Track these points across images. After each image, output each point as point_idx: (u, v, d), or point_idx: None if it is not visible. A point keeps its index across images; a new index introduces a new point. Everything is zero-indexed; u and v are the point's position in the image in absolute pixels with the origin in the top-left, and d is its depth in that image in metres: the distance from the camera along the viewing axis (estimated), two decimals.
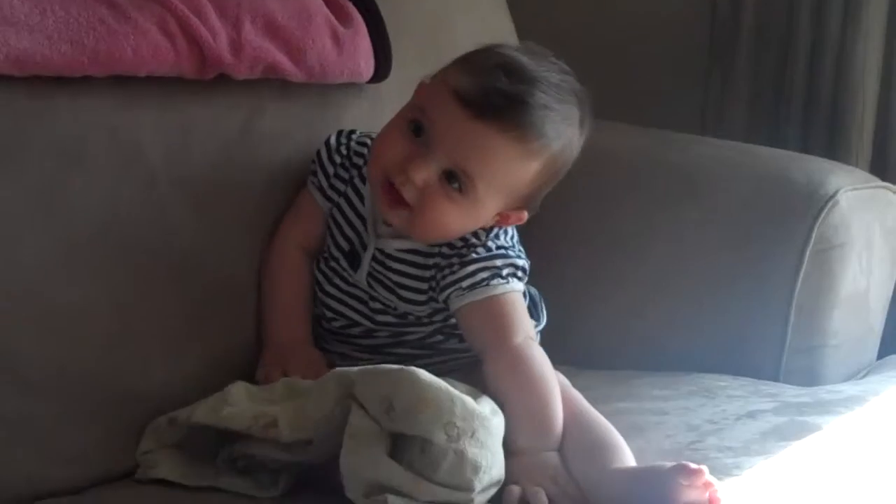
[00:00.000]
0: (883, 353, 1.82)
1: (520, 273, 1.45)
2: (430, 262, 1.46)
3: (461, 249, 1.44)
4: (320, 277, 1.55)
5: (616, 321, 1.46)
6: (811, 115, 2.10)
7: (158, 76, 1.47)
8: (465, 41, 1.81)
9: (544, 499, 1.28)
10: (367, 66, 1.65)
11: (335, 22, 1.62)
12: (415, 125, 1.41)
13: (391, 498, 1.22)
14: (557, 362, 1.54)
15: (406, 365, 1.27)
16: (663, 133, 1.94)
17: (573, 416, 1.38)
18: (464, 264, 1.43)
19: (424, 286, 1.47)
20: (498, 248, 1.45)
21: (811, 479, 1.31)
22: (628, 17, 2.34)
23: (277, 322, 1.53)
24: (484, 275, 1.42)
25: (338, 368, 1.31)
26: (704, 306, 1.69)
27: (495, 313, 1.42)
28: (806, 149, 2.02)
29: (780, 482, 1.30)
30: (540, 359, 1.39)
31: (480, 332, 1.42)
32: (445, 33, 1.82)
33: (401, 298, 1.49)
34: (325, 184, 1.55)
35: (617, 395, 1.53)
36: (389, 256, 1.49)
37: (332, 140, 1.56)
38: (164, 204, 1.49)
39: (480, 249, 1.44)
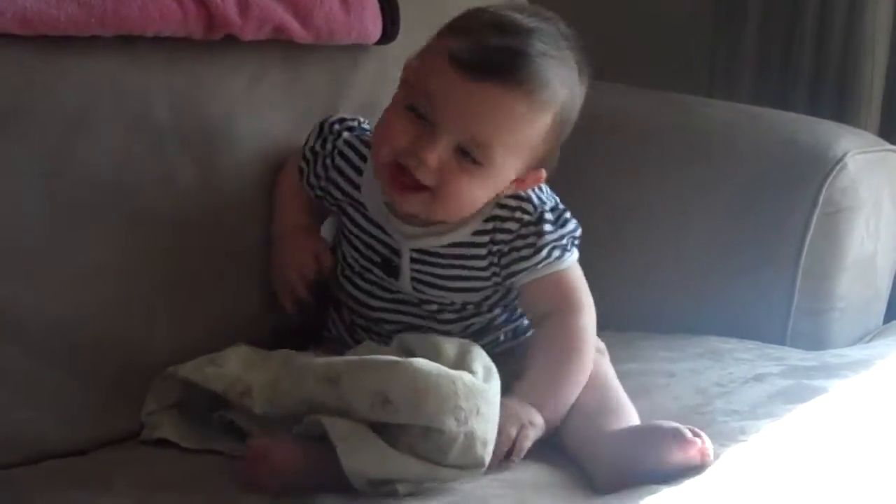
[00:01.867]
0: (889, 317, 1.82)
1: (577, 240, 1.43)
2: (483, 251, 1.42)
3: (523, 230, 1.40)
4: (360, 295, 1.48)
5: (623, 285, 1.46)
6: (820, 78, 2.10)
7: (165, 36, 1.47)
8: (472, 4, 1.81)
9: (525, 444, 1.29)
10: (374, 27, 1.64)
11: None
12: (412, 108, 1.35)
13: (401, 487, 1.21)
14: None
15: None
16: (671, 96, 1.93)
17: (590, 380, 1.38)
18: (538, 248, 1.40)
19: (483, 273, 1.43)
20: (557, 218, 1.42)
21: (817, 442, 1.31)
22: None
23: (279, 213, 1.54)
24: (556, 253, 1.40)
25: (330, 357, 1.30)
26: (711, 270, 1.69)
27: (564, 288, 1.42)
28: (814, 112, 2.02)
29: (786, 445, 1.30)
30: (590, 350, 1.40)
31: (546, 304, 1.41)
32: None
33: (456, 291, 1.44)
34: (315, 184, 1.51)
35: (624, 357, 1.53)
36: (431, 254, 1.43)
37: (323, 130, 1.51)
38: (170, 165, 1.49)
39: (547, 226, 1.40)
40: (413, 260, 1.43)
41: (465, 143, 1.33)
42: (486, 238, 1.42)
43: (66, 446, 1.38)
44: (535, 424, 1.31)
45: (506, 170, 1.36)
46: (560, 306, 1.41)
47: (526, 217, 1.41)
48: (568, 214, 1.43)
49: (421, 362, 1.24)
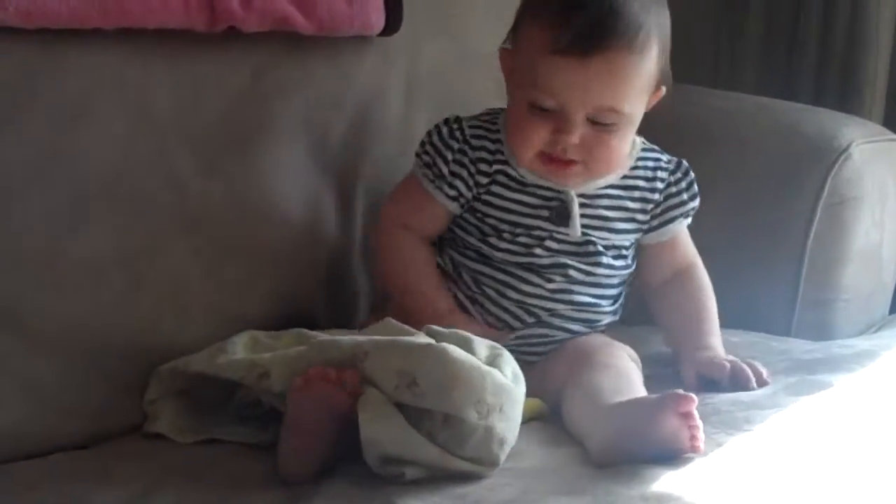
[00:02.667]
0: (895, 307, 1.82)
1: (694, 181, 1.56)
2: (636, 193, 1.52)
3: (673, 178, 1.53)
4: (509, 256, 1.49)
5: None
6: (824, 67, 2.09)
7: (168, 29, 1.46)
8: None
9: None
10: (377, 18, 1.64)
11: None
12: (535, 105, 1.42)
13: (409, 471, 1.21)
14: None
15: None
16: (675, 86, 1.91)
17: (605, 367, 1.40)
18: (692, 196, 1.54)
19: (638, 215, 1.52)
20: (673, 159, 1.54)
21: (823, 431, 1.31)
22: None
23: (429, 294, 1.50)
24: (693, 202, 1.55)
25: (356, 336, 1.30)
26: (716, 260, 1.68)
27: (684, 239, 1.58)
28: (819, 102, 2.02)
29: (793, 435, 1.30)
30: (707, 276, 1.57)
31: (688, 256, 1.57)
32: None
33: (617, 232, 1.51)
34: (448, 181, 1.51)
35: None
36: (593, 197, 1.50)
37: (442, 131, 1.52)
38: (173, 158, 1.49)
39: (691, 177, 1.54)
40: (581, 205, 1.48)
41: (594, 115, 1.42)
42: (637, 181, 1.52)
43: (68, 440, 1.39)
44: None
45: (637, 114, 1.46)
46: (696, 258, 1.57)
47: (671, 166, 1.54)
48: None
49: (455, 349, 1.23)
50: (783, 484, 1.19)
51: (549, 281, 1.48)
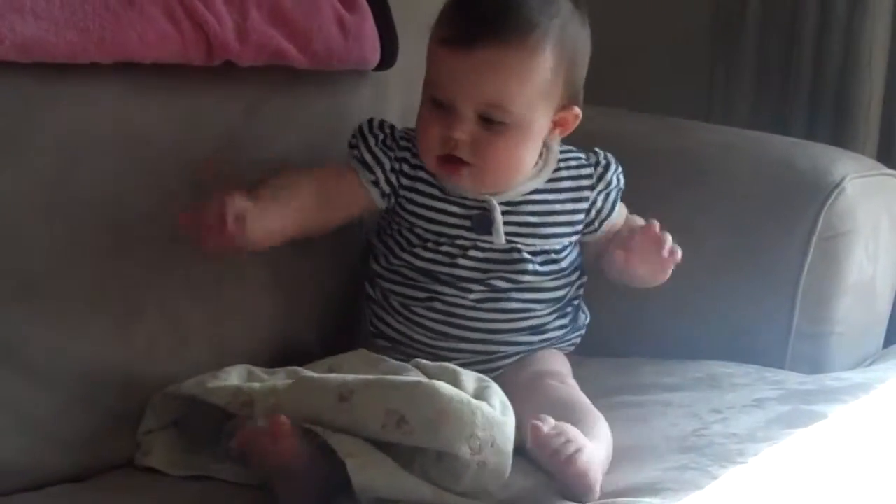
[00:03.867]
0: (889, 341, 1.82)
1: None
2: (564, 195, 1.52)
3: (600, 170, 1.54)
4: (433, 267, 1.49)
5: (622, 307, 1.46)
6: (817, 101, 2.10)
7: (164, 63, 1.47)
8: None
9: None
10: (373, 53, 1.65)
11: (341, 9, 1.62)
12: (433, 100, 1.44)
13: None
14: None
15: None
16: (669, 119, 1.93)
17: (557, 402, 1.40)
18: (618, 178, 1.55)
19: (569, 217, 1.52)
20: (586, 153, 1.55)
21: (816, 466, 1.31)
22: (634, 4, 2.33)
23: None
24: (618, 193, 1.56)
25: (344, 375, 1.30)
26: (710, 293, 1.69)
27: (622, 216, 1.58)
28: (812, 136, 2.02)
29: (786, 469, 1.30)
30: None
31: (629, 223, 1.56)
32: None
33: (544, 237, 1.51)
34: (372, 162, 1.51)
35: (622, 384, 1.53)
36: (517, 203, 1.50)
37: (374, 121, 1.54)
38: (169, 191, 1.49)
39: (605, 165, 1.54)
40: (504, 212, 1.48)
41: (484, 111, 1.41)
42: (562, 182, 1.52)
43: (64, 472, 1.38)
44: None
45: (535, 120, 1.44)
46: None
47: (593, 161, 1.54)
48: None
49: (444, 385, 1.24)
50: None
51: (470, 292, 1.48)
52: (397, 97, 1.70)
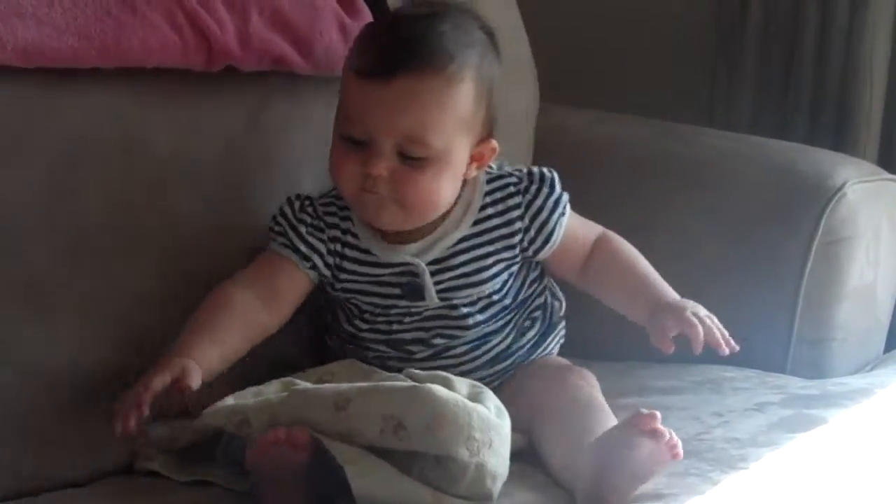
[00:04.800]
0: (890, 346, 1.82)
1: (553, 177, 1.48)
2: (493, 234, 1.46)
3: (530, 195, 1.46)
4: (384, 337, 1.47)
5: (621, 314, 1.46)
6: (818, 107, 2.10)
7: (166, 68, 1.47)
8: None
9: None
10: None
11: (342, 14, 1.62)
12: (347, 136, 1.38)
13: None
14: (563, 353, 1.55)
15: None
16: (670, 125, 1.93)
17: (573, 401, 1.39)
18: (556, 201, 1.46)
19: (501, 255, 1.46)
20: (521, 174, 1.47)
21: (817, 471, 1.31)
22: (635, 9, 2.33)
23: (190, 339, 1.37)
24: (565, 199, 1.47)
25: (339, 384, 1.29)
26: (711, 298, 1.68)
27: (585, 229, 1.51)
28: (813, 141, 2.02)
29: (788, 473, 1.30)
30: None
31: (583, 247, 1.50)
32: None
33: (479, 284, 1.46)
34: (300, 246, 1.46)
35: (623, 387, 1.53)
36: (446, 259, 1.45)
37: (294, 205, 1.48)
38: (170, 196, 1.49)
39: (546, 182, 1.46)
40: (433, 273, 1.44)
41: (402, 145, 1.36)
42: (490, 222, 1.46)
43: (64, 477, 1.38)
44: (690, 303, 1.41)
45: (454, 153, 1.39)
46: (592, 239, 1.51)
47: (522, 185, 1.46)
48: (517, 166, 1.49)
49: (439, 389, 1.24)
50: None
51: (414, 353, 1.47)
52: None
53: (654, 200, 1.78)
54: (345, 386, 1.28)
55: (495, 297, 1.47)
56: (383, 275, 1.45)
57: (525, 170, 1.48)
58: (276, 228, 1.47)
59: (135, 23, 1.42)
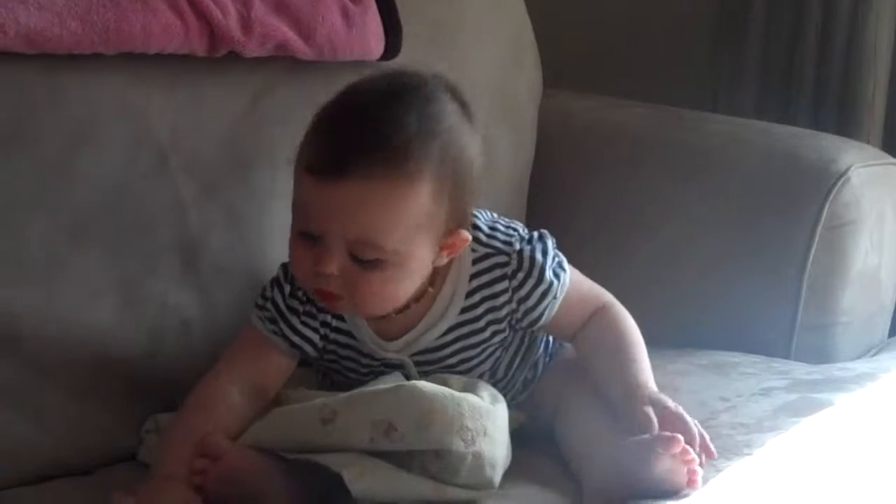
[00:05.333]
0: (894, 330, 1.82)
1: (552, 249, 1.38)
2: (481, 322, 1.37)
3: (517, 281, 1.35)
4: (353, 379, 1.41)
5: (627, 298, 1.45)
6: (822, 92, 2.09)
7: (168, 54, 1.47)
8: (474, 19, 1.82)
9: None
10: (377, 43, 1.64)
11: None
12: (302, 232, 1.29)
13: None
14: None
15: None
16: (675, 110, 1.93)
17: (595, 393, 1.37)
18: (546, 284, 1.35)
19: (491, 340, 1.39)
20: (529, 241, 1.36)
21: (823, 455, 1.31)
22: None
23: (171, 448, 1.29)
24: (560, 272, 1.37)
25: (325, 398, 1.28)
26: (715, 284, 1.69)
27: (583, 295, 1.40)
28: (817, 126, 2.02)
29: (792, 459, 1.30)
30: (634, 323, 1.41)
31: (579, 319, 1.40)
32: (455, 11, 1.82)
33: (470, 369, 1.39)
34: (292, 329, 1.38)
35: None
36: (432, 350, 1.38)
37: (284, 290, 1.38)
38: (173, 182, 1.49)
39: (537, 257, 1.35)
40: (418, 363, 1.38)
41: (353, 247, 1.26)
42: (479, 311, 1.37)
43: (70, 465, 1.39)
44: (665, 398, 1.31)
45: (413, 254, 1.29)
46: (591, 309, 1.41)
47: (510, 269, 1.36)
48: (522, 228, 1.39)
49: (425, 384, 1.24)
50: None
51: None
52: None
53: (658, 185, 1.77)
54: (329, 399, 1.27)
55: (488, 372, 1.42)
56: (370, 360, 1.39)
57: (516, 244, 1.37)
58: (265, 314, 1.38)
59: (137, 8, 1.42)
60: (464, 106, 1.33)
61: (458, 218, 1.31)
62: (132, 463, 1.41)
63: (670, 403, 1.29)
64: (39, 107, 1.39)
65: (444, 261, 1.34)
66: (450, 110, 1.30)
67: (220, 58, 1.52)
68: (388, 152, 1.24)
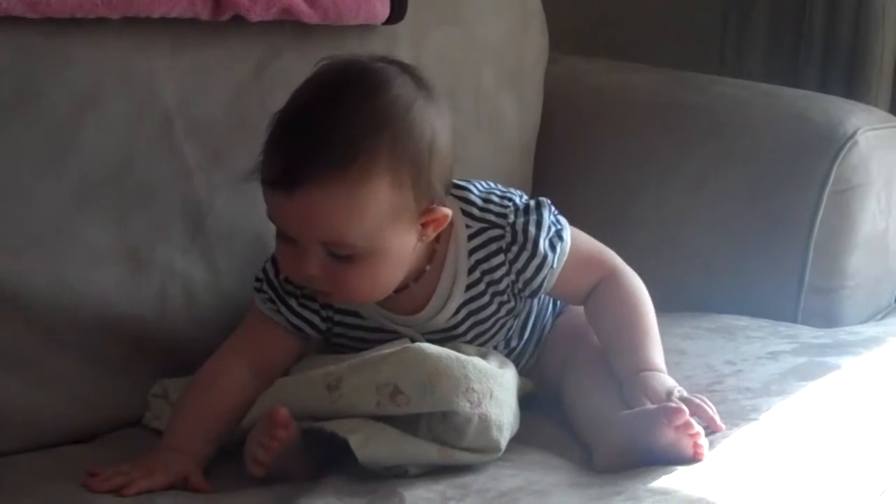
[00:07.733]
0: None
1: (548, 219, 1.37)
2: (486, 298, 1.37)
3: (512, 254, 1.35)
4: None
5: (634, 262, 1.45)
6: (830, 55, 2.09)
7: (173, 17, 1.46)
8: None
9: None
10: (382, 7, 1.64)
11: None
12: (281, 233, 1.31)
13: (412, 469, 1.21)
14: None
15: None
16: (683, 73, 1.92)
17: (601, 356, 1.37)
18: (542, 256, 1.35)
19: (498, 313, 1.39)
20: (525, 211, 1.36)
21: (830, 420, 1.31)
22: None
23: (183, 429, 1.31)
24: (556, 242, 1.36)
25: (328, 367, 1.28)
26: (723, 247, 1.69)
27: (587, 260, 1.40)
28: (825, 89, 2.01)
29: (798, 424, 1.30)
30: (646, 292, 1.40)
31: (586, 283, 1.40)
32: None
33: (481, 342, 1.40)
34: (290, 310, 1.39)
35: None
36: (445, 330, 1.38)
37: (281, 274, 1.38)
38: (178, 146, 1.49)
39: (531, 229, 1.34)
40: (433, 341, 1.34)
41: (328, 247, 1.28)
42: (482, 286, 1.37)
43: (74, 431, 1.39)
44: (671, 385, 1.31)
45: (389, 242, 1.29)
46: (598, 275, 1.40)
47: (505, 242, 1.36)
48: (521, 196, 1.39)
49: (430, 346, 1.24)
50: (787, 475, 1.19)
51: None
52: (407, 51, 1.68)
53: (666, 149, 1.77)
54: (332, 367, 1.27)
55: (502, 345, 1.42)
56: (381, 337, 1.38)
57: (510, 216, 1.36)
58: (263, 295, 1.38)
59: None
60: (421, 85, 1.32)
61: (430, 196, 1.30)
62: (138, 428, 1.42)
63: (674, 397, 1.28)
64: (43, 71, 1.38)
65: (432, 235, 1.33)
66: (400, 95, 1.29)
67: (224, 22, 1.51)
68: (335, 154, 1.24)
